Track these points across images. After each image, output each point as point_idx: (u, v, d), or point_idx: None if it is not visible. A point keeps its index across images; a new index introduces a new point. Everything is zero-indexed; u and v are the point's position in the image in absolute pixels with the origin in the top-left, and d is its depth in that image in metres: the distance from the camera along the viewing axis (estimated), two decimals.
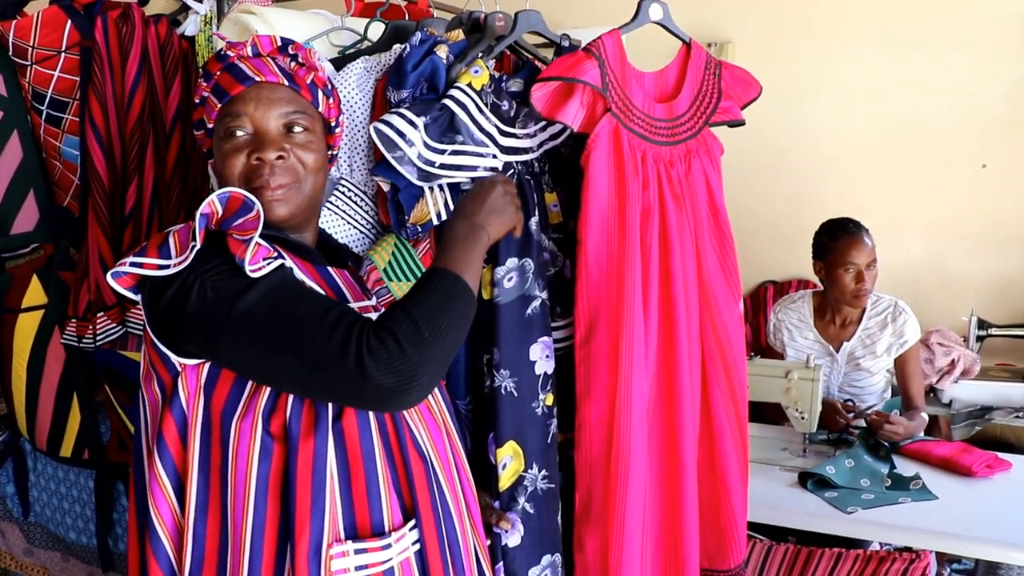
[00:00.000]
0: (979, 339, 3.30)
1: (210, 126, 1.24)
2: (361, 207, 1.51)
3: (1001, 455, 2.32)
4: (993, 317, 3.39)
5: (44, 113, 1.92)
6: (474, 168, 1.46)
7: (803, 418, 2.34)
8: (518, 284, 1.47)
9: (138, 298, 1.14)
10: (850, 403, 2.60)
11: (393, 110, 1.41)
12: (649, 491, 1.55)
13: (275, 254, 1.11)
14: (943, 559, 2.57)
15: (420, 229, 1.46)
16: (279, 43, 1.25)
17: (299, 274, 1.16)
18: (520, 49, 1.66)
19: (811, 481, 2.17)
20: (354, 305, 1.21)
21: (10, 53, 1.85)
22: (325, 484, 1.08)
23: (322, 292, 1.16)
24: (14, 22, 1.84)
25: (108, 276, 1.11)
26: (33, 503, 2.21)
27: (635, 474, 1.47)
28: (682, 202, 1.55)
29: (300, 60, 1.26)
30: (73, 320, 1.87)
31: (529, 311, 1.48)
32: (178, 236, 1.11)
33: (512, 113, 1.54)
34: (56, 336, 1.96)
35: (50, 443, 2.06)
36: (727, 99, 1.63)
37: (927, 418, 2.61)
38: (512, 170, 1.52)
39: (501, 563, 1.44)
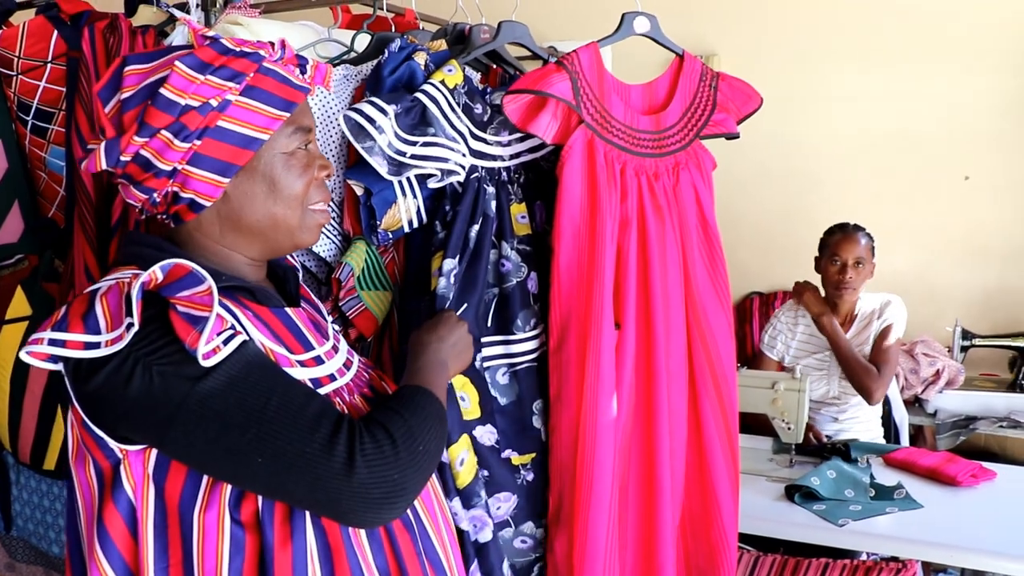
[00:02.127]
0: (963, 349, 3.32)
1: (241, 130, 1.03)
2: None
3: (986, 465, 2.34)
4: (977, 328, 3.42)
5: (29, 124, 1.91)
6: (445, 159, 1.44)
7: (789, 429, 2.35)
8: (457, 284, 1.46)
9: (58, 367, 0.95)
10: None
11: (365, 99, 1.39)
12: (629, 500, 1.56)
13: (229, 326, 0.96)
14: (929, 568, 2.58)
15: (391, 235, 1.46)
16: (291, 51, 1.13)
17: (258, 335, 1.02)
18: (505, 62, 1.66)
19: (798, 494, 2.17)
20: (319, 350, 1.10)
21: None
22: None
23: (293, 377, 1.01)
24: (0, 32, 1.84)
25: (22, 353, 0.92)
26: (15, 517, 2.19)
27: (600, 479, 1.47)
28: (666, 214, 1.56)
29: (308, 70, 1.15)
30: None
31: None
32: (107, 304, 0.94)
33: (486, 118, 1.54)
34: None
35: (33, 456, 2.04)
36: (721, 111, 1.64)
37: (879, 384, 2.68)
38: (476, 174, 1.51)
39: (476, 562, 1.42)
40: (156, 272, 0.93)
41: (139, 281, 0.92)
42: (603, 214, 1.48)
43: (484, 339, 1.50)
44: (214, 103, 1.00)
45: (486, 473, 1.47)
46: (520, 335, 1.53)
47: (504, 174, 1.56)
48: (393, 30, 1.86)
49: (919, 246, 3.65)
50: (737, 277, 3.87)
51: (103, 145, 1.00)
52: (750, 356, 3.59)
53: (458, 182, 1.48)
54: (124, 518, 0.96)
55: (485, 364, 1.50)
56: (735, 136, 1.66)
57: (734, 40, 3.74)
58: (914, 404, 3.31)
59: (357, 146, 1.35)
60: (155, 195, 1.03)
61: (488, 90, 1.57)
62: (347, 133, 1.35)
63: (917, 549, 1.96)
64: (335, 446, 0.93)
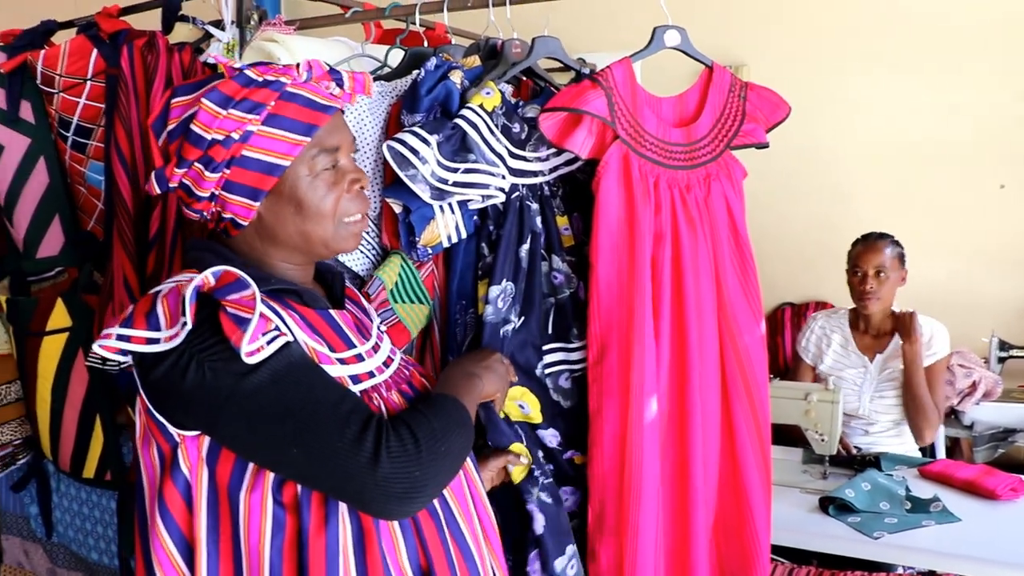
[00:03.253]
0: (1000, 360, 3.27)
1: (264, 158, 1.09)
2: (367, 232, 1.51)
3: None
4: (1014, 338, 3.36)
5: (70, 139, 1.95)
6: (486, 186, 1.48)
7: (823, 440, 2.33)
8: (508, 306, 1.50)
9: (128, 359, 1.07)
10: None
11: (406, 128, 1.42)
12: (663, 506, 1.57)
13: (273, 327, 1.04)
14: None
15: (430, 251, 1.48)
16: (326, 67, 1.18)
17: (301, 334, 1.10)
18: (537, 76, 1.68)
19: (832, 506, 2.15)
20: (360, 348, 1.18)
21: (38, 81, 1.89)
22: (339, 557, 1.04)
23: (331, 377, 1.08)
24: (43, 51, 1.89)
25: (95, 346, 1.02)
26: (56, 524, 2.23)
27: (647, 488, 1.50)
28: (698, 226, 1.56)
29: (345, 84, 1.19)
30: None
31: (501, 333, 1.50)
32: (167, 304, 1.03)
33: (524, 136, 1.56)
34: (80, 358, 1.98)
35: (73, 464, 2.08)
36: (751, 122, 1.64)
37: (936, 420, 2.65)
38: (516, 193, 1.53)
39: (536, 551, 1.46)
40: (208, 277, 1.02)
41: (192, 285, 1.01)
42: (640, 228, 1.49)
43: (545, 347, 1.56)
44: (236, 136, 1.07)
45: (551, 468, 1.54)
46: (577, 343, 1.58)
47: (546, 188, 1.59)
48: (426, 44, 1.87)
49: (954, 256, 3.60)
50: (768, 288, 3.84)
51: (154, 174, 1.12)
52: (782, 368, 3.56)
53: (500, 203, 1.52)
54: (181, 494, 1.05)
55: (547, 371, 1.56)
56: (765, 146, 1.66)
57: (763, 50, 3.72)
58: (950, 416, 3.25)
59: (401, 174, 1.39)
60: (204, 214, 1.14)
61: (520, 104, 1.58)
62: (390, 161, 1.39)
63: (955, 563, 1.93)
64: (363, 442, 1.00)
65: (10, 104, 1.93)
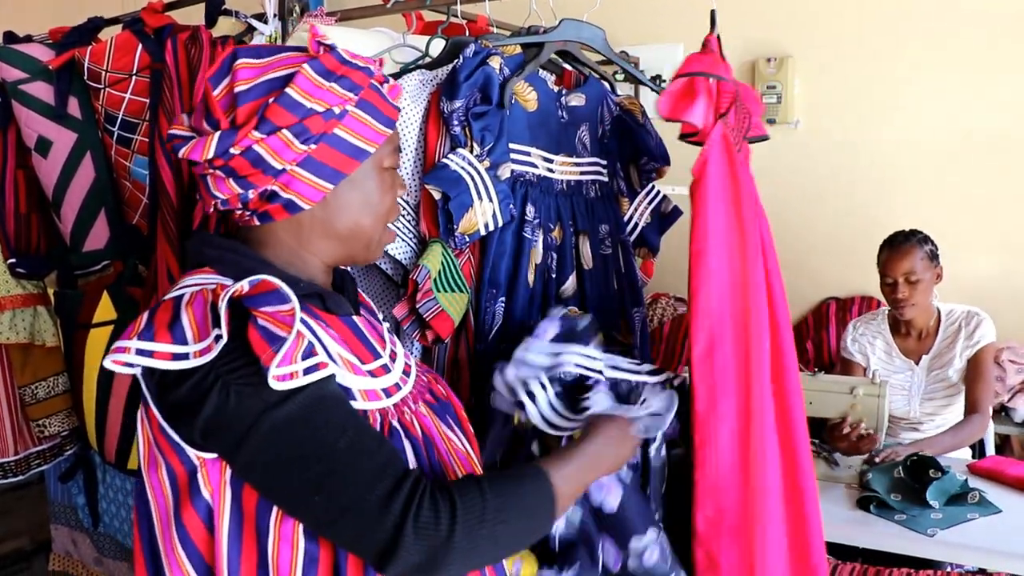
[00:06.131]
0: None
1: (354, 141, 1.03)
2: (406, 218, 1.50)
3: None
4: None
5: (115, 134, 1.97)
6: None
7: (866, 432, 2.28)
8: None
9: (136, 371, 0.95)
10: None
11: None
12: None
13: (309, 348, 0.94)
14: None
15: (468, 239, 1.47)
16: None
17: (334, 346, 1.00)
18: (579, 63, 1.66)
19: (872, 505, 2.10)
20: (384, 357, 1.09)
21: (85, 77, 1.92)
22: None
23: (366, 422, 0.98)
24: (89, 48, 1.91)
25: (106, 361, 0.91)
26: (102, 514, 2.26)
27: (772, 486, 1.42)
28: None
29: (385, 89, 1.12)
30: None
31: None
32: (192, 313, 0.93)
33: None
34: None
35: (118, 455, 2.11)
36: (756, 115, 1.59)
37: (985, 424, 2.55)
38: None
39: (605, 535, 1.33)
40: (244, 286, 0.93)
41: (227, 294, 0.91)
42: (748, 209, 1.41)
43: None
44: (336, 111, 1.01)
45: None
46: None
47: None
48: (467, 34, 1.87)
49: (1003, 250, 3.51)
50: (813, 282, 3.82)
51: (217, 135, 0.98)
52: (827, 363, 3.49)
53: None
54: (203, 520, 0.96)
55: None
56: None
57: (808, 42, 3.67)
58: (1000, 413, 3.18)
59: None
60: (251, 192, 1.01)
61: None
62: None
63: (1007, 561, 1.89)
64: (393, 501, 0.91)
65: (58, 100, 1.96)
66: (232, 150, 0.97)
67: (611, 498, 1.30)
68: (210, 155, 0.98)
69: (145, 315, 0.94)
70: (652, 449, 1.36)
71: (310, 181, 1.01)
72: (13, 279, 2.16)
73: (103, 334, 2.05)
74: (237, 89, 0.99)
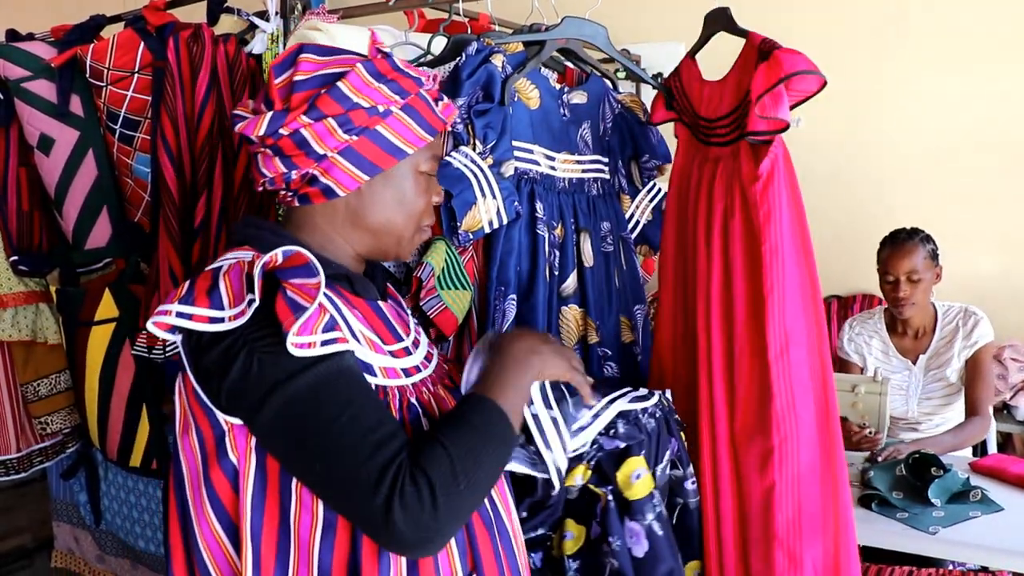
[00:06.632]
0: None
1: (393, 140, 1.12)
2: None
3: None
4: None
5: (117, 132, 1.97)
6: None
7: (871, 434, 2.29)
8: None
9: (177, 338, 1.05)
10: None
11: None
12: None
13: (331, 323, 1.01)
14: None
15: (472, 236, 1.47)
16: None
17: (357, 324, 1.08)
18: (581, 61, 1.66)
19: (875, 503, 2.10)
20: (407, 341, 1.17)
21: (87, 75, 1.92)
22: (391, 563, 1.02)
23: (376, 397, 1.04)
24: (91, 46, 1.91)
25: (148, 323, 1.00)
26: (104, 511, 2.27)
27: (845, 478, 1.43)
28: None
29: (439, 106, 1.20)
30: (144, 332, 1.91)
31: None
32: (230, 281, 1.01)
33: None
34: (127, 348, 2.01)
35: (120, 453, 2.11)
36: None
37: (987, 426, 2.55)
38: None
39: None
40: (278, 255, 1.01)
41: (261, 261, 0.99)
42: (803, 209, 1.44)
43: None
44: (380, 109, 1.10)
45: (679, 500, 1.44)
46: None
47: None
48: (469, 32, 1.87)
49: (1004, 248, 3.52)
50: None
51: (270, 114, 1.08)
52: None
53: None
54: (230, 481, 1.02)
55: None
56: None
57: (808, 42, 3.66)
58: (1002, 411, 3.19)
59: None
60: (294, 172, 1.10)
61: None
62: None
63: (1009, 559, 1.89)
64: (381, 484, 0.95)
65: (60, 98, 1.96)
66: (281, 131, 1.07)
67: (638, 549, 1.32)
68: (261, 132, 1.08)
69: (187, 283, 1.02)
70: (658, 469, 1.35)
71: (348, 170, 1.10)
72: (15, 277, 2.16)
73: (105, 332, 2.05)
74: (296, 78, 1.09)
